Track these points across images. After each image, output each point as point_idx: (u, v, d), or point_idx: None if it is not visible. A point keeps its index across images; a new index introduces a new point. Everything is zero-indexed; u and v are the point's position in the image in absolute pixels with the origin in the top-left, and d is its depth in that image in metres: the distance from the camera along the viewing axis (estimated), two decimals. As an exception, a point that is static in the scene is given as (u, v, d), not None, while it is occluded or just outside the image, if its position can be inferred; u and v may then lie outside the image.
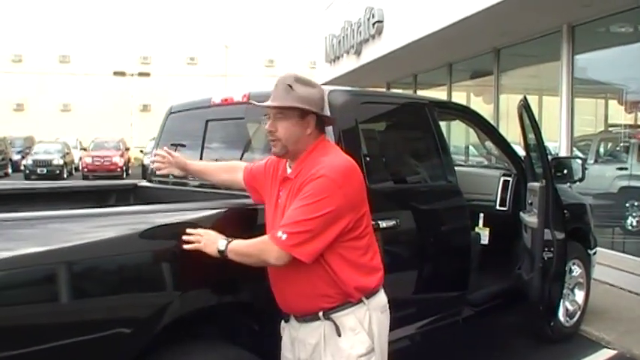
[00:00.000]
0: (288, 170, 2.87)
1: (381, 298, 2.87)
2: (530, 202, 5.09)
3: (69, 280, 2.58)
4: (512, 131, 8.69)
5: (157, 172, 3.79)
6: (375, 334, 2.78)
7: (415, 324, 4.18)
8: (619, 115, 9.57)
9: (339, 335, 2.71)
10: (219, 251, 2.72)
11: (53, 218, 2.75)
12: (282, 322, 2.99)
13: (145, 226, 2.86)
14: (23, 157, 30.30)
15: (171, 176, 4.90)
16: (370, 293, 2.79)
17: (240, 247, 2.73)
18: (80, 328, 2.59)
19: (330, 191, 2.59)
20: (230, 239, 2.75)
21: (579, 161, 5.84)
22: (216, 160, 4.50)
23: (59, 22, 46.80)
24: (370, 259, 2.82)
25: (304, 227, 2.57)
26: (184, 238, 2.78)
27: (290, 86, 2.75)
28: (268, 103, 2.78)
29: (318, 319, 2.76)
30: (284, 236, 2.58)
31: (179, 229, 2.85)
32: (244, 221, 3.21)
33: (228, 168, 3.44)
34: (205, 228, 2.91)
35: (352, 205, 2.67)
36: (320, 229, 2.58)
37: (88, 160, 28.79)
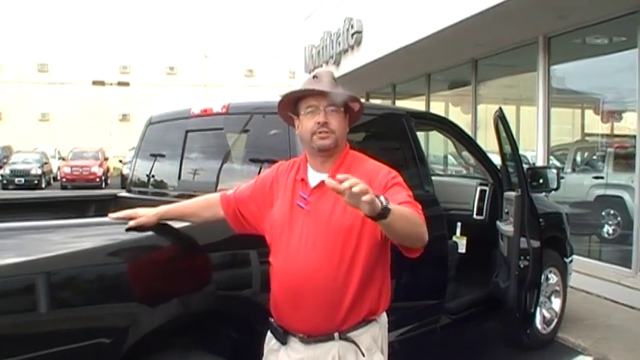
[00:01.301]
0: (315, 174, 2.61)
1: (384, 313, 2.66)
2: (506, 211, 5.15)
3: (48, 290, 2.58)
4: (490, 141, 8.78)
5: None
6: (385, 353, 2.62)
7: (393, 332, 4.20)
8: (595, 124, 9.70)
9: (363, 355, 2.48)
10: (383, 208, 2.11)
11: (33, 229, 2.76)
12: (271, 343, 2.69)
13: (125, 237, 2.87)
14: (1, 167, 29.97)
15: (150, 186, 4.93)
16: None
17: (400, 209, 2.24)
18: (59, 338, 2.58)
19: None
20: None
21: (554, 171, 5.91)
22: (195, 171, 4.54)
23: (38, 30, 46.54)
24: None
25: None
26: (346, 185, 2.04)
27: (335, 81, 2.63)
28: (337, 91, 2.57)
29: (332, 339, 2.48)
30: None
31: (159, 239, 2.87)
32: (225, 231, 3.21)
33: (205, 205, 2.95)
34: (190, 238, 2.89)
35: None
36: None
37: (67, 169, 28.54)
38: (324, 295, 2.46)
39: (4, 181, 27.22)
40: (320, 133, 2.53)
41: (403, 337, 4.27)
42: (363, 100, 2.82)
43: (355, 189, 2.00)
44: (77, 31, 46.91)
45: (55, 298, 2.61)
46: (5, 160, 31.08)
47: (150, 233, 2.91)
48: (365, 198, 2.01)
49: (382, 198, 2.12)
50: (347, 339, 2.48)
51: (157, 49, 49.33)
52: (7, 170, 27.89)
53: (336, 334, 2.48)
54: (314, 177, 2.60)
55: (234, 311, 3.25)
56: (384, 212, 2.10)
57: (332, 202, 2.46)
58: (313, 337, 2.51)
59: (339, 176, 2.06)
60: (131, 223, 2.85)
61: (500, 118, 5.10)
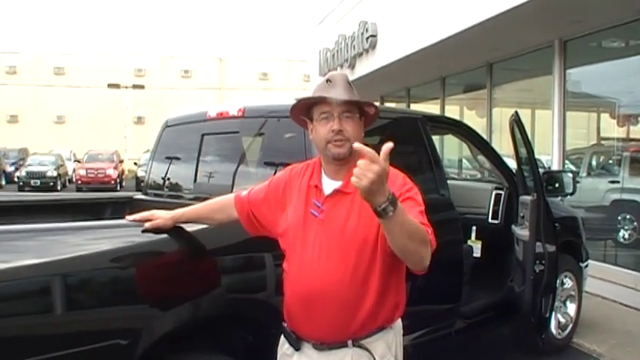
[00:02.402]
0: (329, 181, 2.55)
1: (400, 321, 2.61)
2: (521, 215, 5.13)
3: (65, 291, 2.61)
4: (505, 145, 8.76)
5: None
6: (400, 359, 2.57)
7: (408, 336, 4.19)
8: (611, 128, 9.64)
9: None
10: (389, 199, 2.01)
11: (50, 231, 2.78)
12: (284, 347, 2.65)
13: (141, 239, 2.89)
14: (17, 169, 30.19)
15: (166, 189, 4.95)
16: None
17: (407, 217, 2.13)
18: (76, 339, 2.61)
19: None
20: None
21: (570, 175, 5.89)
22: (210, 174, 4.55)
23: (54, 34, 46.82)
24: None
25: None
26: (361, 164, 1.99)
27: (350, 84, 2.54)
28: (348, 97, 2.47)
29: (346, 346, 2.44)
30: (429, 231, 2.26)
31: (173, 242, 2.88)
32: (241, 234, 3.21)
33: (219, 207, 2.92)
34: (201, 242, 2.91)
35: None
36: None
37: (82, 172, 28.67)
38: (338, 306, 2.43)
39: (20, 183, 27.40)
40: (335, 141, 2.44)
41: (418, 342, 4.26)
42: (377, 104, 2.80)
43: (372, 177, 1.94)
44: (93, 34, 47.12)
45: (72, 299, 2.64)
46: (21, 162, 31.33)
47: (165, 236, 2.93)
48: (373, 178, 1.94)
49: (389, 192, 2.01)
50: (360, 346, 2.44)
51: (172, 53, 49.59)
52: (23, 172, 28.08)
53: (350, 342, 2.44)
54: (328, 184, 2.54)
55: (248, 314, 3.25)
56: (385, 213, 2.01)
57: (346, 210, 2.44)
58: (327, 344, 2.47)
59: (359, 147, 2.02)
60: (147, 225, 2.87)
61: (516, 122, 5.09)
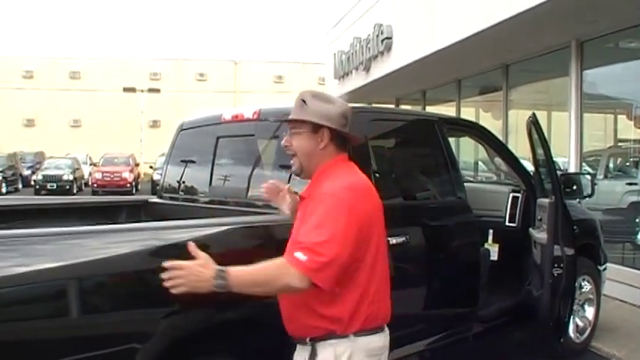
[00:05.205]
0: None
1: (374, 340, 2.61)
2: (539, 218, 5.09)
3: (82, 295, 2.62)
4: (521, 147, 8.69)
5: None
6: None
7: (425, 340, 4.18)
8: (628, 130, 9.56)
9: None
10: (218, 285, 2.34)
11: (68, 235, 2.78)
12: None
13: (157, 243, 2.88)
14: (33, 173, 30.42)
15: (181, 192, 4.95)
16: (361, 330, 2.56)
17: (248, 276, 2.41)
18: (93, 343, 2.62)
19: (338, 210, 2.47)
20: (225, 268, 2.37)
21: (588, 177, 5.84)
22: (226, 177, 4.56)
23: (70, 39, 47.14)
24: (374, 292, 2.59)
25: (321, 250, 2.39)
26: (164, 277, 2.34)
27: (304, 101, 2.72)
28: (292, 116, 2.75)
29: (306, 343, 2.62)
30: (304, 258, 2.38)
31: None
32: (257, 239, 3.20)
33: None
34: (213, 247, 2.90)
35: (363, 226, 2.51)
36: (336, 252, 2.40)
37: (98, 175, 28.86)
38: (287, 305, 2.69)
39: (37, 187, 27.63)
40: (290, 158, 2.77)
41: (435, 346, 4.24)
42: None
43: (180, 289, 2.34)
44: (108, 39, 47.42)
45: (90, 302, 2.66)
46: (38, 166, 31.55)
47: (180, 240, 2.90)
48: (182, 290, 2.34)
49: (216, 275, 2.33)
50: (312, 346, 2.59)
51: (188, 56, 49.76)
52: (39, 176, 28.29)
53: (308, 339, 2.61)
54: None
55: (265, 319, 3.24)
56: (222, 288, 2.35)
57: (300, 215, 2.69)
58: (295, 339, 2.70)
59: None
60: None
61: (534, 124, 5.05)
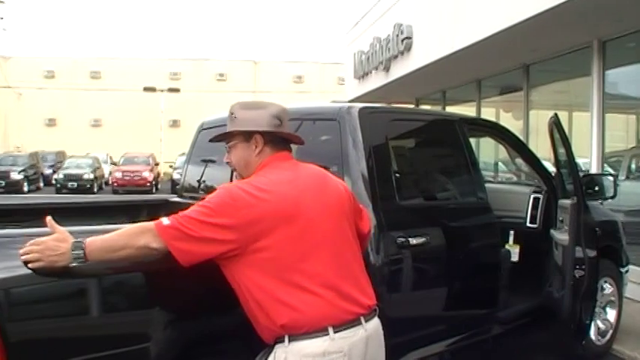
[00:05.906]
0: None
1: (310, 345, 2.45)
2: (560, 219, 5.06)
3: (104, 293, 2.64)
4: (542, 147, 8.63)
5: None
6: None
7: (445, 342, 4.15)
8: (651, 131, 9.49)
9: None
10: (76, 257, 2.38)
11: (90, 233, 2.79)
12: None
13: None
14: (54, 172, 30.67)
15: (201, 192, 4.96)
16: (294, 335, 2.46)
17: (108, 241, 2.44)
18: (112, 342, 2.62)
19: (218, 198, 2.50)
20: (82, 239, 2.41)
21: (611, 178, 5.80)
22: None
23: (91, 39, 47.47)
24: (289, 295, 2.47)
25: (183, 221, 2.43)
26: (20, 252, 2.38)
27: (232, 114, 2.81)
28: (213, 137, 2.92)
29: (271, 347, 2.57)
30: (167, 222, 2.44)
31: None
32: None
33: None
34: None
35: (250, 222, 2.46)
36: (196, 228, 2.42)
37: (118, 174, 29.05)
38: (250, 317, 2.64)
39: (58, 185, 27.88)
40: None
41: (454, 347, 4.22)
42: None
43: (36, 264, 2.37)
44: (128, 39, 47.65)
45: (110, 302, 2.67)
46: (59, 165, 31.83)
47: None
48: (38, 265, 2.37)
49: (72, 247, 2.36)
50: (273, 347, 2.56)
51: (207, 56, 49.94)
52: (60, 175, 28.53)
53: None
54: None
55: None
56: (81, 261, 2.38)
57: None
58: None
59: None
60: None
61: (556, 124, 5.01)
